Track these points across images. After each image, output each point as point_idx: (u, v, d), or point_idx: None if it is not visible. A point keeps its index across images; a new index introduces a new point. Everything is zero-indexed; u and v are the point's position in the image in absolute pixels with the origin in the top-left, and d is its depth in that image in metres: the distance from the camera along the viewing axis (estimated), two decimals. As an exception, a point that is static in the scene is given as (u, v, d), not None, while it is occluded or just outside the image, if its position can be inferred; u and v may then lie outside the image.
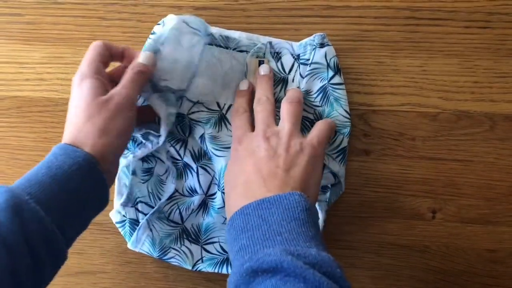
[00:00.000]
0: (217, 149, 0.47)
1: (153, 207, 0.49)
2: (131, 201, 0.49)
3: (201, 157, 0.49)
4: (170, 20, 0.45)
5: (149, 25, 0.49)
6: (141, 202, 0.49)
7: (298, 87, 0.47)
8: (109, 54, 0.43)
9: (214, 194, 0.49)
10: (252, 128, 0.44)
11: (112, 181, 0.43)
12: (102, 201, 0.40)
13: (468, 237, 0.50)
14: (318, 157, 0.42)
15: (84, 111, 0.39)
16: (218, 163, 0.47)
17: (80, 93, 0.40)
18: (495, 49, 0.47)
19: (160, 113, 0.45)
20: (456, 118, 0.48)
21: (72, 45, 0.50)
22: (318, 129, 0.44)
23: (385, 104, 0.48)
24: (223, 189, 0.46)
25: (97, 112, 0.39)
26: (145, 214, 0.49)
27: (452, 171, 0.49)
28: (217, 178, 0.48)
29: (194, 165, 0.49)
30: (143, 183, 0.49)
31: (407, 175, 0.49)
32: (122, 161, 0.48)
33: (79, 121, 0.39)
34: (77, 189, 0.37)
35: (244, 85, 0.47)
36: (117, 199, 0.49)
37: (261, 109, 0.44)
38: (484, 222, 0.49)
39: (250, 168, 0.40)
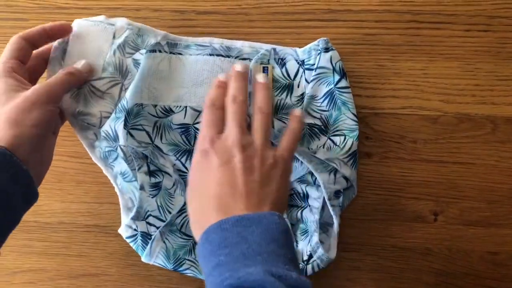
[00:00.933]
0: None
1: (163, 221, 0.49)
2: (141, 216, 0.49)
3: None
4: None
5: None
6: (151, 216, 0.49)
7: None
8: (28, 45, 0.44)
9: None
10: (223, 127, 0.42)
11: (43, 172, 0.43)
12: (28, 194, 0.40)
13: (470, 239, 0.50)
14: (289, 171, 0.42)
15: None
16: None
17: None
18: (496, 52, 0.47)
19: (65, 110, 0.46)
20: (457, 121, 0.48)
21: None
22: (287, 140, 0.42)
23: (387, 107, 0.49)
24: None
25: (7, 105, 0.40)
26: (157, 227, 0.49)
27: (453, 174, 0.49)
28: None
29: None
30: (152, 197, 0.49)
31: (409, 177, 0.49)
32: (117, 168, 0.48)
33: None
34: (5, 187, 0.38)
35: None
36: (124, 215, 0.49)
37: (237, 110, 0.41)
38: (486, 224, 0.49)
39: (224, 179, 0.38)
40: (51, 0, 0.50)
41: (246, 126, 0.41)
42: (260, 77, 0.44)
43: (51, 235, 0.54)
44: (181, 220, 0.50)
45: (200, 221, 0.38)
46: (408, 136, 0.49)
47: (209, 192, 0.38)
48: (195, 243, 0.49)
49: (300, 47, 0.48)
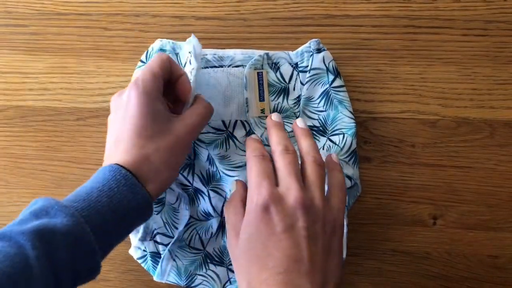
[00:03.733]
0: (228, 169, 0.47)
1: (171, 237, 0.49)
2: (148, 235, 0.48)
3: (210, 180, 0.48)
4: (186, 44, 0.46)
5: (151, 35, 0.50)
6: (158, 233, 0.49)
7: (302, 118, 0.46)
8: (169, 72, 0.41)
9: None
10: (276, 180, 0.38)
11: None
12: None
13: (470, 243, 0.50)
14: (343, 235, 0.39)
15: (147, 131, 0.37)
16: (231, 183, 0.47)
17: (141, 108, 0.37)
18: (493, 57, 0.48)
19: None
20: (455, 124, 0.48)
21: (76, 55, 0.51)
22: (339, 197, 0.39)
23: (385, 111, 0.49)
24: None
25: (160, 140, 0.37)
26: (165, 245, 0.48)
27: (452, 178, 0.49)
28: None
29: (204, 189, 0.49)
30: (156, 214, 0.48)
31: (408, 181, 0.49)
32: None
33: (139, 142, 0.37)
34: (131, 224, 0.37)
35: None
36: (133, 235, 0.49)
37: (293, 161, 0.38)
38: (485, 228, 0.49)
39: (289, 250, 0.35)
40: (51, 6, 0.51)
41: (302, 180, 0.38)
42: (300, 122, 0.42)
43: (50, 240, 0.54)
44: (189, 235, 0.49)
45: (261, 285, 0.34)
46: (407, 140, 0.49)
47: (272, 263, 0.35)
48: (205, 255, 0.49)
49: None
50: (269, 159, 0.39)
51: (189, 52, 0.43)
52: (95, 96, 0.51)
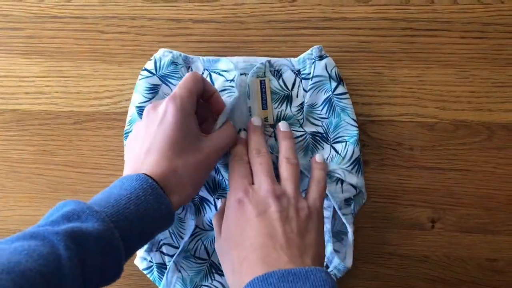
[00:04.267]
0: None
1: (177, 247, 0.48)
2: (155, 246, 0.48)
3: (216, 188, 0.48)
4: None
5: (148, 38, 0.49)
6: (164, 244, 0.48)
7: (291, 127, 0.47)
8: (202, 91, 0.43)
9: None
10: (252, 180, 0.43)
11: None
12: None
13: (468, 246, 0.50)
14: (322, 222, 0.42)
15: (179, 146, 0.39)
16: None
17: (177, 124, 0.40)
18: (491, 59, 0.47)
19: None
20: (453, 127, 0.48)
21: (72, 59, 0.51)
22: (316, 191, 0.43)
23: (383, 114, 0.49)
24: None
25: (190, 156, 0.40)
26: (171, 256, 0.48)
27: (450, 181, 0.49)
28: None
29: (211, 198, 0.48)
30: None
31: (406, 185, 0.49)
32: None
33: (170, 155, 0.39)
34: (153, 232, 0.38)
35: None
36: None
37: (264, 161, 0.43)
38: (483, 231, 0.49)
39: (263, 229, 0.38)
40: (46, 9, 0.50)
41: (274, 176, 0.42)
42: (283, 126, 0.46)
43: (47, 245, 0.53)
44: (194, 245, 0.49)
45: (241, 271, 0.37)
46: (405, 143, 0.49)
47: (249, 242, 0.38)
48: (210, 265, 0.49)
49: (296, 55, 0.48)
50: (248, 162, 0.43)
51: (229, 80, 0.46)
52: (91, 99, 0.51)
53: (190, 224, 0.48)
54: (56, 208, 0.36)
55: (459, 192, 0.49)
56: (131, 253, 0.37)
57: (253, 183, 0.42)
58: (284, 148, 0.44)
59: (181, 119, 0.40)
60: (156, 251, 0.48)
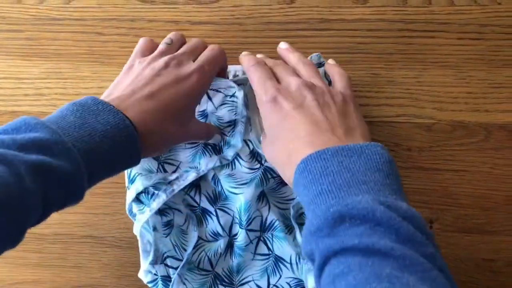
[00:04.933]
0: (234, 187, 0.46)
1: (180, 260, 0.48)
2: (159, 259, 0.48)
3: (217, 199, 0.48)
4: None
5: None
6: (168, 257, 0.48)
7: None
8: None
9: (237, 233, 0.48)
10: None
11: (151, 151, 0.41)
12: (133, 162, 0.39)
13: (466, 247, 0.50)
14: (358, 106, 0.41)
15: (179, 111, 0.40)
16: (237, 201, 0.47)
17: (193, 94, 0.41)
18: (488, 60, 0.48)
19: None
20: (451, 128, 0.48)
21: (71, 60, 0.51)
22: (341, 80, 0.42)
23: (381, 115, 0.49)
24: (247, 227, 0.46)
25: (179, 127, 0.40)
26: (175, 269, 0.48)
27: (448, 181, 0.49)
28: (238, 217, 0.47)
29: (212, 209, 0.48)
30: (165, 237, 0.48)
31: (404, 185, 0.49)
32: (140, 218, 0.45)
33: (167, 116, 0.39)
34: (118, 171, 0.38)
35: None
36: (143, 258, 0.47)
37: (285, 65, 0.42)
38: (481, 231, 0.49)
39: (305, 119, 0.37)
40: (45, 11, 0.51)
41: None
42: (283, 44, 0.44)
43: (46, 246, 0.53)
44: (198, 257, 0.49)
45: (291, 157, 0.36)
46: (403, 144, 0.49)
47: (295, 133, 0.37)
48: (214, 276, 0.49)
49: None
50: (265, 64, 0.42)
51: (229, 96, 0.45)
52: (90, 101, 0.51)
53: (193, 236, 0.48)
54: (23, 123, 0.33)
55: (457, 192, 0.49)
56: (91, 186, 0.36)
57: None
58: (294, 58, 0.43)
59: (199, 92, 0.41)
60: (160, 263, 0.48)
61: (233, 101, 0.45)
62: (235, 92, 0.44)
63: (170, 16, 0.50)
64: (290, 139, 0.37)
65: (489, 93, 0.48)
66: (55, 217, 0.52)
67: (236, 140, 0.45)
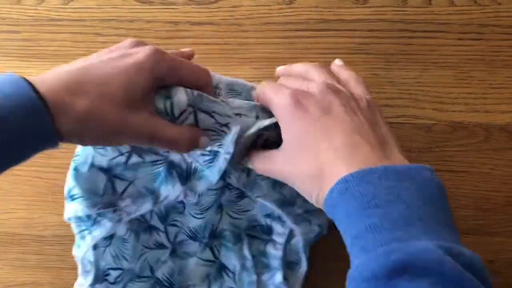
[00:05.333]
0: (196, 213, 0.45)
1: (120, 269, 0.44)
2: (99, 278, 0.43)
3: (168, 215, 0.45)
4: None
5: (146, 40, 0.49)
6: (110, 269, 0.44)
7: None
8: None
9: (182, 241, 0.46)
10: None
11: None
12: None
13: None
14: (380, 110, 0.38)
15: (121, 96, 0.34)
16: (195, 222, 0.45)
17: (142, 68, 0.34)
18: (489, 60, 0.48)
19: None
20: (451, 129, 0.48)
21: (69, 61, 0.51)
22: (359, 85, 0.38)
23: (381, 116, 0.49)
24: (204, 240, 0.45)
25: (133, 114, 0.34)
26: (115, 282, 0.44)
27: (448, 182, 0.49)
28: (187, 231, 0.46)
29: (162, 226, 0.46)
30: (104, 250, 0.43)
31: (404, 186, 0.49)
32: (81, 244, 0.42)
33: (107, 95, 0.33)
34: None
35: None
36: (82, 276, 0.43)
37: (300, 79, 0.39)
38: (481, 232, 0.49)
39: (339, 127, 0.33)
40: (44, 12, 0.50)
41: None
42: (338, 61, 0.42)
43: (45, 248, 0.53)
44: (140, 266, 0.45)
45: (323, 170, 0.32)
46: (403, 145, 0.49)
47: (328, 143, 0.33)
48: (155, 282, 0.46)
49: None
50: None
51: (220, 124, 0.38)
52: (89, 102, 0.51)
53: (136, 247, 0.44)
54: None
55: (457, 193, 0.49)
56: None
57: None
58: (345, 74, 0.40)
59: (145, 71, 0.34)
60: (101, 283, 0.44)
61: (222, 131, 0.38)
62: (229, 123, 0.38)
63: (169, 16, 0.50)
64: (321, 150, 0.33)
65: (489, 93, 0.48)
66: (54, 219, 0.53)
67: (213, 175, 0.39)
